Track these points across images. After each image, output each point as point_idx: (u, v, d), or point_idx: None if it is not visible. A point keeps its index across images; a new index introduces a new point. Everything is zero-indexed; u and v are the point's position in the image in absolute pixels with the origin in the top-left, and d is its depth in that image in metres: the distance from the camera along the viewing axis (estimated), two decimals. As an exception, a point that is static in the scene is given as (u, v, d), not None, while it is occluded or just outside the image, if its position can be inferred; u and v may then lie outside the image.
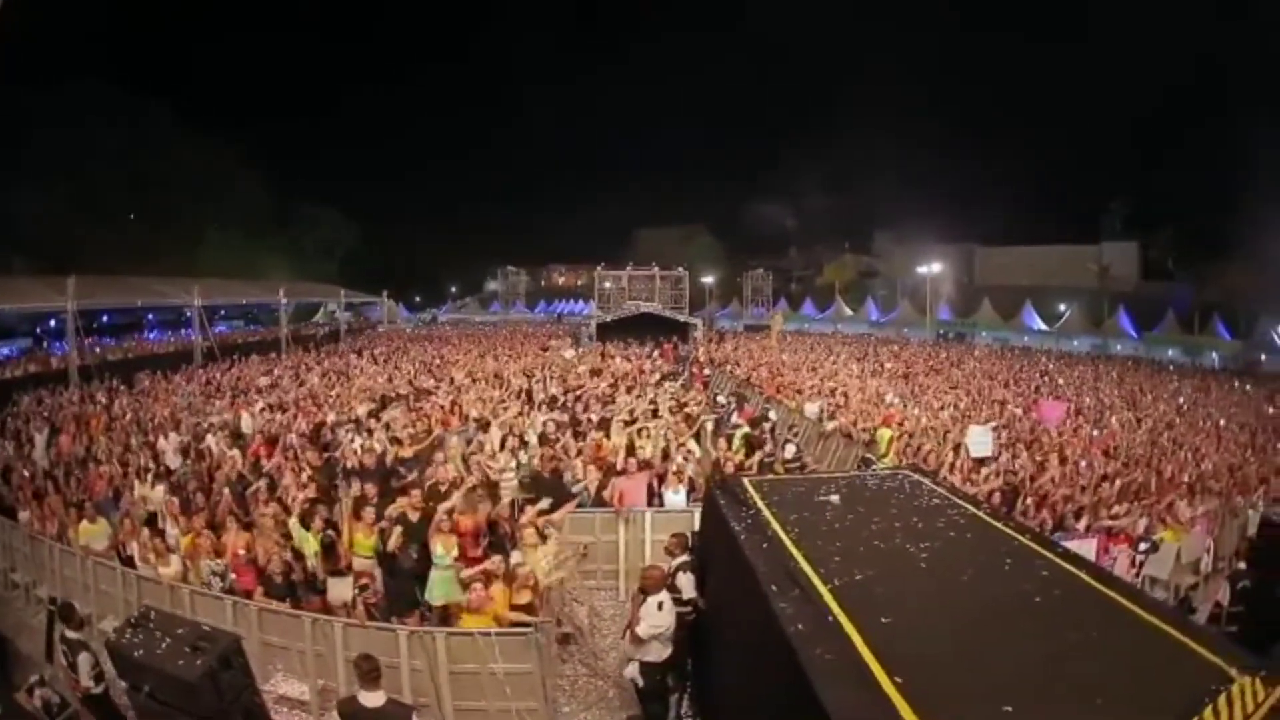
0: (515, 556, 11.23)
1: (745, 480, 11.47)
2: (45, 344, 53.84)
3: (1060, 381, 37.59)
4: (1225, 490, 17.67)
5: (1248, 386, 40.32)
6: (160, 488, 15.07)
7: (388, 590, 11.26)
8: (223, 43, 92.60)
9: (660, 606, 9.57)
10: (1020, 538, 9.06)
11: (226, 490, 14.51)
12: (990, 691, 5.51)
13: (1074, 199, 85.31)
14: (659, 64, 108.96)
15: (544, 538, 11.92)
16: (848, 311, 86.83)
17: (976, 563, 8.20)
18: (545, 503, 13.16)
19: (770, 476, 13.97)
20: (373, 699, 7.16)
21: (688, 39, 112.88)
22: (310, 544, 11.68)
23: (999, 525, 9.61)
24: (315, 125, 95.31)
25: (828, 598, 7.00)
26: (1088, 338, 66.66)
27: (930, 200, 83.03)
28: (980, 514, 10.15)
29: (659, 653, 9.77)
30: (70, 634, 9.24)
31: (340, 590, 10.85)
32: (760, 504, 10.02)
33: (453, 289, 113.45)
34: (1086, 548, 12.21)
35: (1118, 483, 16.53)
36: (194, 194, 77.66)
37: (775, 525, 9.18)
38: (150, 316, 68.45)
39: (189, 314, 49.59)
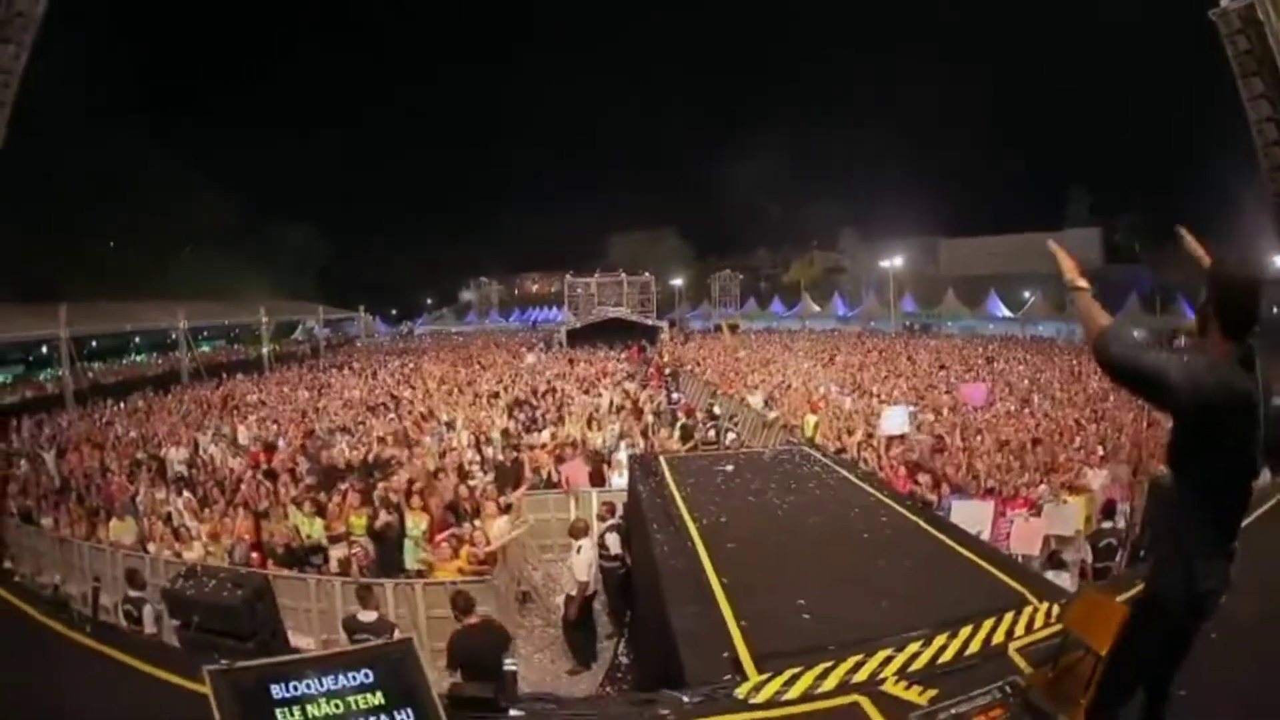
0: (480, 526, 13.73)
1: (660, 456, 14.04)
2: (48, 367, 54.29)
3: (1007, 365, 39.54)
4: (1140, 458, 18.67)
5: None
6: (187, 494, 17.36)
7: (379, 558, 13.67)
8: (189, 60, 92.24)
9: (579, 550, 12.17)
10: (878, 494, 11.51)
11: (243, 486, 17.14)
12: (791, 589, 7.73)
13: (1037, 187, 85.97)
14: (625, 67, 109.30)
15: (506, 511, 14.56)
16: (815, 308, 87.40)
17: (826, 511, 10.63)
18: (519, 492, 16.02)
19: (683, 454, 16.50)
20: (368, 615, 9.78)
21: (653, 41, 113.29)
22: (305, 524, 14.33)
23: (863, 486, 12.08)
24: (286, 141, 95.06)
25: (692, 531, 9.50)
26: (1052, 323, 67.90)
27: (895, 195, 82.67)
28: (852, 478, 12.63)
29: (571, 586, 12.34)
30: (133, 593, 11.61)
31: (339, 552, 13.50)
32: (665, 472, 12.65)
33: (429, 300, 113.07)
34: (985, 510, 13.87)
35: (1027, 457, 18.57)
36: (165, 214, 77.79)
37: (672, 486, 11.77)
38: (135, 339, 68.56)
39: (173, 335, 50.75)
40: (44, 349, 53.66)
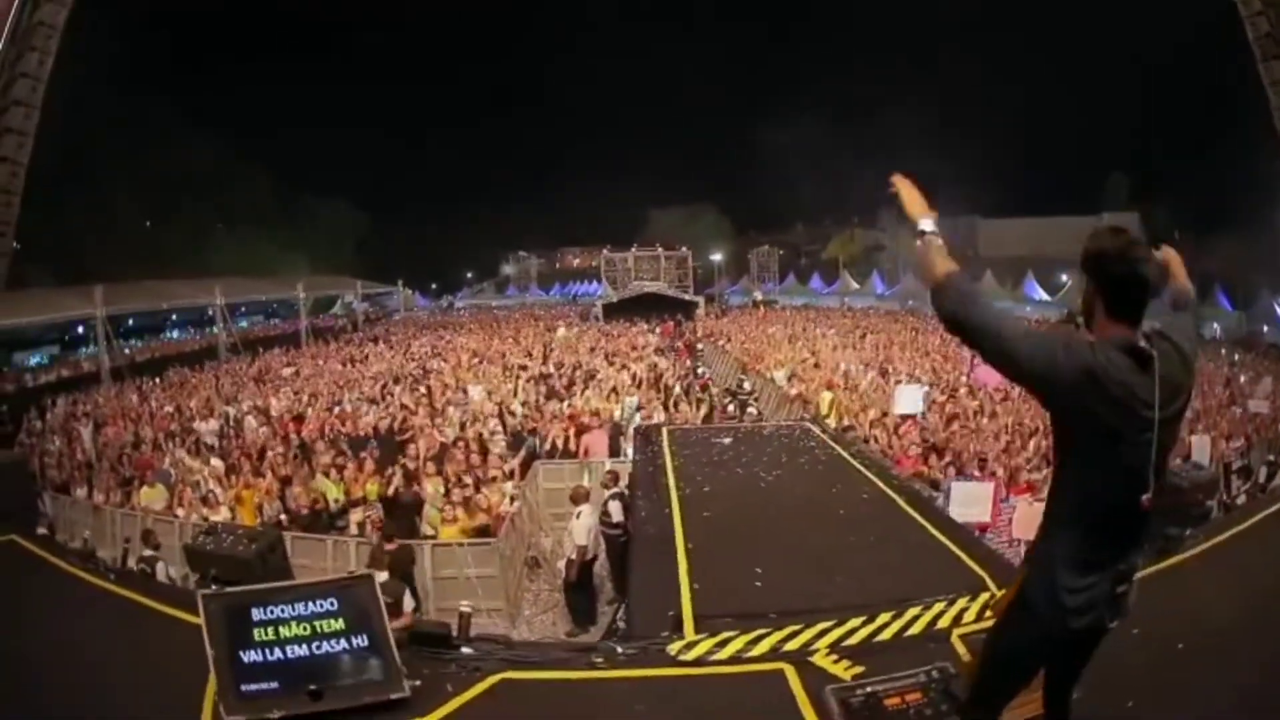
0: (484, 491, 14.46)
1: (664, 428, 14.68)
2: (83, 347, 55.37)
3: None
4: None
5: (1235, 356, 40.31)
6: (215, 461, 18.36)
7: (395, 523, 14.33)
8: (223, 36, 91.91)
9: (579, 516, 12.90)
10: (865, 471, 12.00)
11: (272, 453, 18.21)
12: (752, 557, 8.22)
13: (1077, 170, 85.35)
14: (667, 43, 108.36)
15: (509, 478, 15.31)
16: (854, 285, 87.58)
17: (810, 485, 11.21)
18: (516, 460, 16.80)
19: (686, 425, 17.10)
20: (380, 577, 10.51)
21: (695, 17, 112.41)
22: (331, 490, 15.19)
23: (854, 463, 12.60)
24: (321, 117, 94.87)
25: (674, 498, 10.10)
26: (1091, 306, 67.41)
27: (934, 174, 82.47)
28: (845, 455, 13.15)
29: (572, 550, 13.01)
30: (148, 552, 12.36)
31: (357, 516, 14.35)
32: (664, 442, 13.33)
33: (469, 274, 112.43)
34: (985, 491, 13.44)
35: (1032, 443, 18.87)
36: (198, 193, 78.17)
37: (666, 455, 12.46)
38: (172, 316, 69.51)
39: (210, 312, 51.35)
40: (79, 329, 54.54)
